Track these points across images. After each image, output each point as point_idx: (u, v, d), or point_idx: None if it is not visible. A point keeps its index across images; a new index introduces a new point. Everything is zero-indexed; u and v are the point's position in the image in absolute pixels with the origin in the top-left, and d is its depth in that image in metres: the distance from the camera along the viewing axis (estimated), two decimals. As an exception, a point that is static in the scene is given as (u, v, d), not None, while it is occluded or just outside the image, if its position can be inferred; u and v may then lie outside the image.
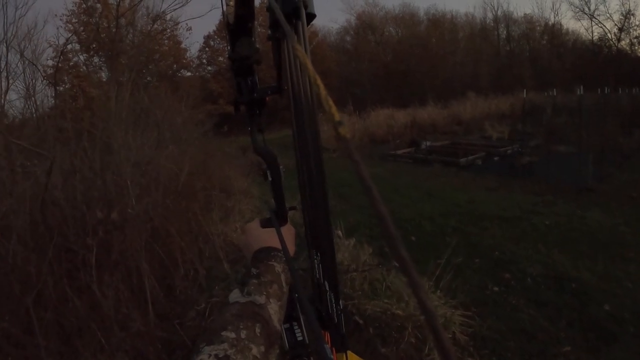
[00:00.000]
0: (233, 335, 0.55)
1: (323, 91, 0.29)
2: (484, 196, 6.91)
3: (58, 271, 3.09)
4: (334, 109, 0.28)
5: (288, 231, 0.89)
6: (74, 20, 14.22)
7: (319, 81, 0.30)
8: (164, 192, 4.82)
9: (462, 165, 9.57)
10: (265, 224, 0.88)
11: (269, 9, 0.60)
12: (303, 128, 0.62)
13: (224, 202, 6.72)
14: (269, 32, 0.73)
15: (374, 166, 10.84)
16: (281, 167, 0.89)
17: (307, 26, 0.61)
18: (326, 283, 0.69)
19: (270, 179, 0.89)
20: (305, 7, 0.59)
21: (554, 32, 29.10)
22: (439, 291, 3.39)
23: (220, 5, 0.80)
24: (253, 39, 0.82)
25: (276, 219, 0.87)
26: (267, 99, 0.90)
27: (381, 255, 4.74)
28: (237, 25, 0.76)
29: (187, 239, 4.35)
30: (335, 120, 0.27)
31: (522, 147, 9.74)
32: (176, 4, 11.41)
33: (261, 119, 0.94)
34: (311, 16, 0.61)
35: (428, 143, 12.37)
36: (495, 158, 10.00)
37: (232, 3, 0.78)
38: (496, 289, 3.73)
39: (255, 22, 0.79)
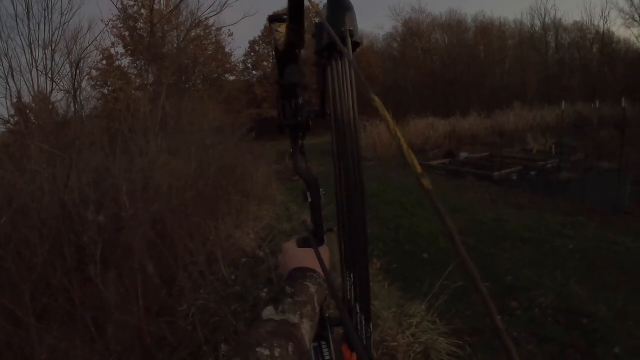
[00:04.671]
0: (267, 352, 0.55)
1: (404, 144, 0.31)
2: (512, 214, 6.52)
3: (69, 263, 3.33)
4: (416, 162, 0.29)
5: (324, 252, 0.88)
6: (119, 26, 14.70)
7: (399, 134, 0.32)
8: (177, 196, 4.98)
9: (496, 180, 9.14)
10: (302, 244, 0.90)
11: (316, 35, 0.65)
12: (344, 151, 0.64)
13: (245, 206, 6.78)
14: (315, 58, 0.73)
15: (406, 176, 10.52)
16: (321, 190, 0.91)
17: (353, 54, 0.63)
18: (357, 305, 0.69)
19: (309, 200, 0.91)
20: (352, 36, 0.60)
21: (604, 40, 27.40)
22: (430, 315, 3.19)
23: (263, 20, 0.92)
24: (299, 65, 0.88)
25: (314, 240, 0.87)
26: (310, 122, 0.95)
27: (387, 271, 4.58)
28: (287, 52, 0.82)
29: (196, 242, 4.48)
30: (418, 172, 0.28)
31: (562, 162, 9.20)
32: (210, 12, 11.70)
33: (304, 142, 0.98)
34: (356, 45, 0.62)
35: (465, 154, 11.93)
36: (532, 173, 9.45)
37: (281, 30, 0.86)
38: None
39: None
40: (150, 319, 3.14)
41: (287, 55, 0.84)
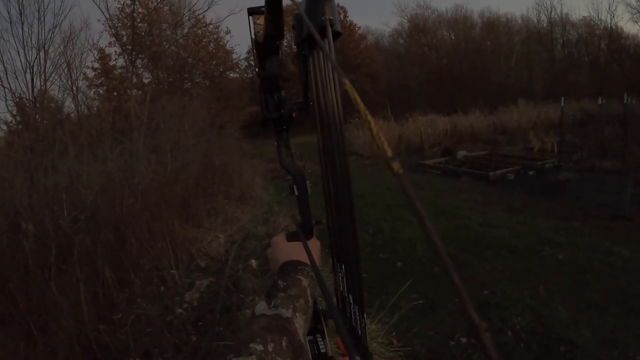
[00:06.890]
0: (261, 347, 0.53)
1: (374, 127, 0.30)
2: (502, 218, 6.03)
3: (27, 267, 3.41)
4: (386, 145, 0.29)
5: (314, 245, 0.87)
6: (117, 25, 14.47)
7: (369, 117, 0.31)
8: (143, 198, 4.93)
9: (492, 180, 8.62)
10: (292, 237, 0.89)
11: (296, 27, 0.66)
12: (329, 143, 0.64)
13: (222, 207, 6.63)
14: (295, 49, 0.73)
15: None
16: (307, 182, 0.90)
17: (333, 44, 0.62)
18: (350, 296, 0.69)
19: (296, 193, 0.90)
20: (332, 25, 0.60)
21: (611, 36, 26.56)
22: (384, 334, 2.81)
23: (248, 21, 0.87)
24: (280, 56, 0.88)
25: (303, 233, 0.86)
26: (293, 114, 0.94)
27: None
28: (266, 44, 0.82)
29: (156, 246, 4.37)
30: (388, 156, 0.28)
31: (562, 161, 8.66)
32: (199, 9, 11.53)
33: (288, 135, 0.97)
34: (337, 34, 0.62)
35: (463, 153, 11.39)
36: (531, 172, 8.93)
37: (260, 22, 0.87)
38: (464, 340, 3.02)
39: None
40: (93, 325, 3.11)
41: (266, 47, 0.84)
